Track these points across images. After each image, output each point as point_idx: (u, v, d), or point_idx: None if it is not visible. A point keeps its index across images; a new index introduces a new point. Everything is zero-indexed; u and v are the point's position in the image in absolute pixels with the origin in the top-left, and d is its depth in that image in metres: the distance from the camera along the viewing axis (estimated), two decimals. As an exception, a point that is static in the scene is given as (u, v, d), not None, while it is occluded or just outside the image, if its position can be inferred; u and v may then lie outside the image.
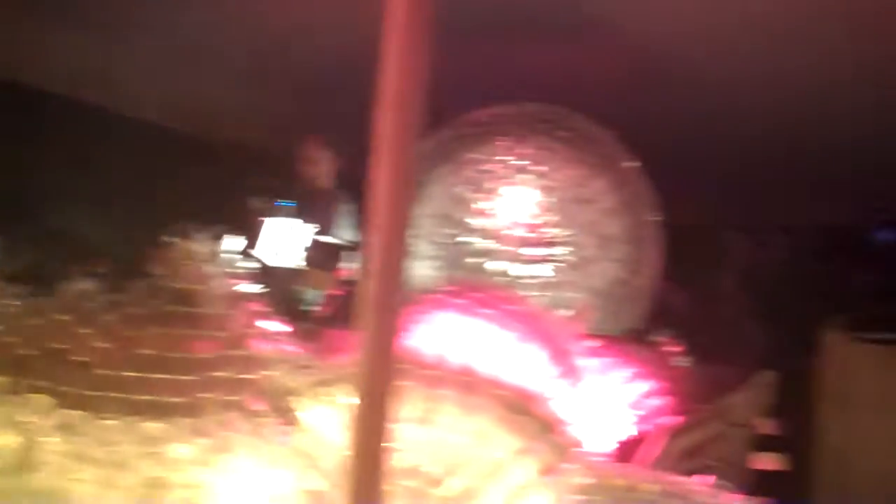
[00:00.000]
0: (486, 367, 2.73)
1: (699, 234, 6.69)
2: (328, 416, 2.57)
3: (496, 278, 3.98)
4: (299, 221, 4.79)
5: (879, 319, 6.60)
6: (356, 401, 1.61)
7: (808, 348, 6.54)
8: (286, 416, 2.61)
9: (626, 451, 3.49)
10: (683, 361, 4.42)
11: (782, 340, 6.42)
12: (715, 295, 6.58)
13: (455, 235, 4.15)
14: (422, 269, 4.21)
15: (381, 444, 1.61)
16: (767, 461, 5.43)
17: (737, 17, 3.90)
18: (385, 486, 1.69)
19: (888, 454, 6.30)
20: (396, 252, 1.58)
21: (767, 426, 5.29)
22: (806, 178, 5.92)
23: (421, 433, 2.53)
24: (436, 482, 2.50)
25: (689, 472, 3.25)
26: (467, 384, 2.57)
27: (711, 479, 2.83)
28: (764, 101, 4.73)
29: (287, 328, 2.82)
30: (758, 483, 4.62)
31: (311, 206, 4.88)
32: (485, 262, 4.07)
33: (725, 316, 6.26)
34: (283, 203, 4.84)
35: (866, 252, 7.42)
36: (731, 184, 6.05)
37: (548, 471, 2.49)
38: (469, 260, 4.11)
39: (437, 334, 3.05)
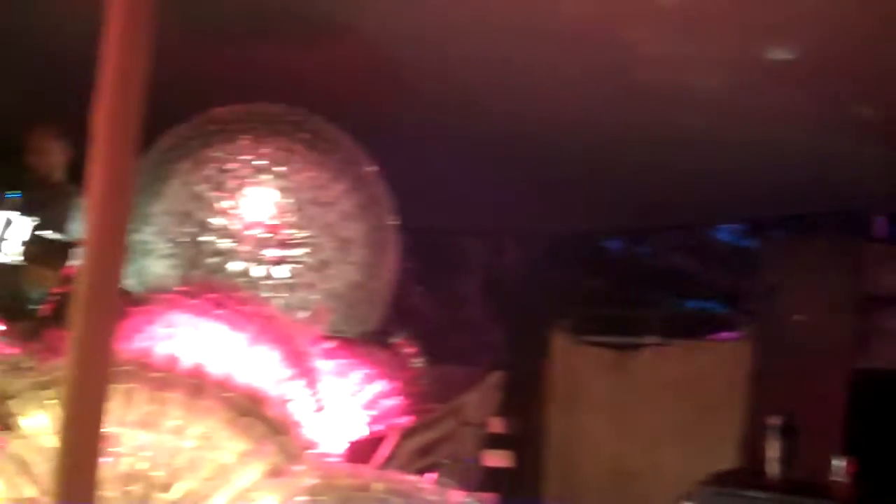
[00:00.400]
0: (217, 369, 2.70)
1: (438, 238, 6.88)
2: (48, 419, 2.47)
3: (236, 279, 3.93)
4: (23, 215, 4.55)
5: (604, 323, 7.03)
6: (66, 404, 1.56)
7: (539, 350, 6.88)
8: (3, 420, 2.49)
9: (360, 451, 3.54)
10: (418, 362, 4.53)
11: (515, 342, 6.70)
12: (453, 298, 6.78)
13: (194, 234, 4.06)
14: (158, 267, 4.09)
15: (93, 449, 1.56)
16: (497, 458, 5.67)
17: (478, 22, 4.03)
18: (98, 492, 1.64)
19: (610, 453, 6.71)
20: (112, 250, 1.54)
21: (498, 425, 5.52)
22: (541, 186, 6.19)
23: (146, 437, 2.47)
24: (162, 486, 2.45)
25: (422, 471, 3.35)
26: (195, 387, 2.54)
27: (437, 476, 2.93)
28: (503, 107, 4.90)
29: (3, 327, 2.69)
30: (487, 480, 4.82)
31: (39, 200, 4.63)
32: (224, 261, 4.01)
33: (463, 318, 6.47)
34: (7, 195, 4.58)
35: (595, 259, 7.87)
36: (470, 189, 6.23)
37: (275, 473, 2.50)
38: (208, 260, 4.03)
39: (168, 335, 2.98)
